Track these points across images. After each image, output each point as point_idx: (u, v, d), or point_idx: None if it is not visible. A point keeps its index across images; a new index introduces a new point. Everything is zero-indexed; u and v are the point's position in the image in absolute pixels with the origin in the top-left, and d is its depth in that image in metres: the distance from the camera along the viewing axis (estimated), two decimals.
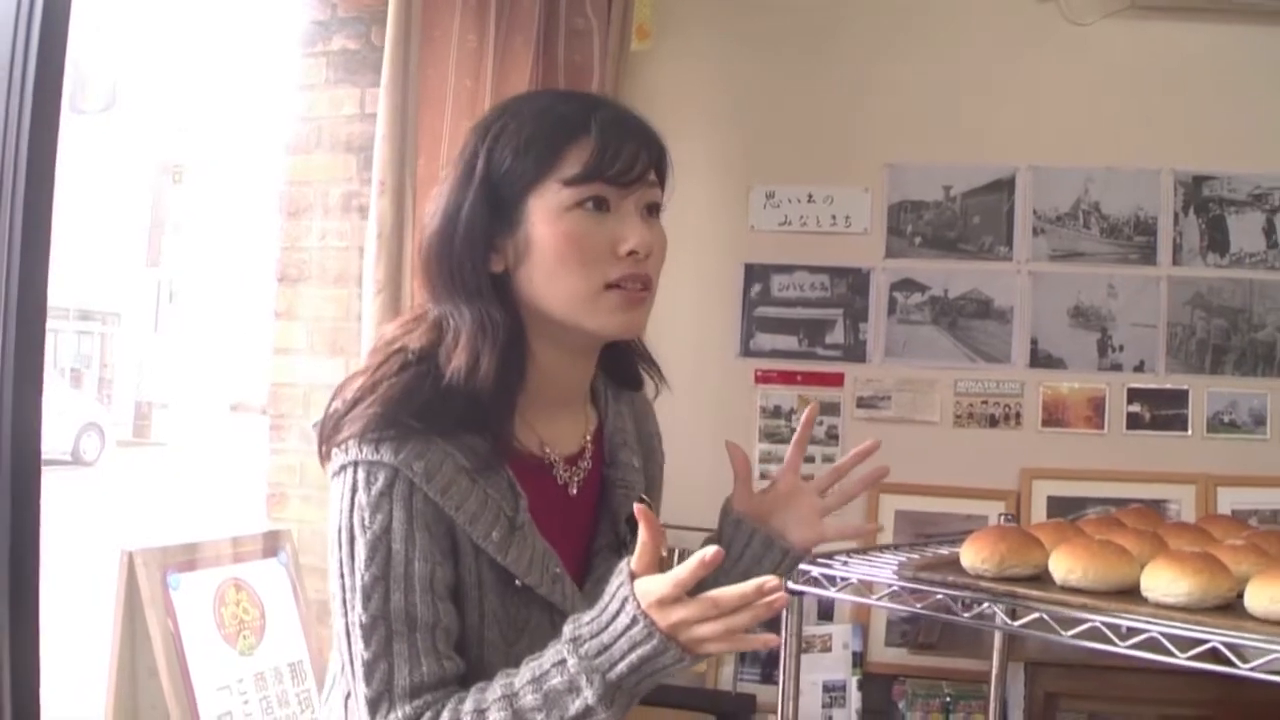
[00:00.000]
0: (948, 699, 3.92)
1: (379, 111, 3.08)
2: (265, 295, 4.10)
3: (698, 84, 4.40)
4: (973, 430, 4.24)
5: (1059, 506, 4.00)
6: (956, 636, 3.85)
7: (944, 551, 2.28)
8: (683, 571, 1.42)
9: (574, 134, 1.61)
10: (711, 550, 1.42)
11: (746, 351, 4.36)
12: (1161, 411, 4.19)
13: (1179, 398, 4.18)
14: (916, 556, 2.28)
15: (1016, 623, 1.97)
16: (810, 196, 4.33)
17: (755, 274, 4.36)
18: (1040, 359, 4.23)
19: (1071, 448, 4.19)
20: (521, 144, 1.62)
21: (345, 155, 3.88)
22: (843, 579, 2.17)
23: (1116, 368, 4.21)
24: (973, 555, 2.08)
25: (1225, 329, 4.18)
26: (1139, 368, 4.20)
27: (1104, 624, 1.85)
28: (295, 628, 3.52)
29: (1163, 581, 1.88)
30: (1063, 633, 1.88)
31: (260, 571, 3.49)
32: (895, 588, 2.08)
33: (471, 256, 1.63)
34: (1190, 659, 1.77)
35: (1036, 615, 1.92)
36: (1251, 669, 1.73)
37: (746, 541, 1.83)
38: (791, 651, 2.39)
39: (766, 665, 4.01)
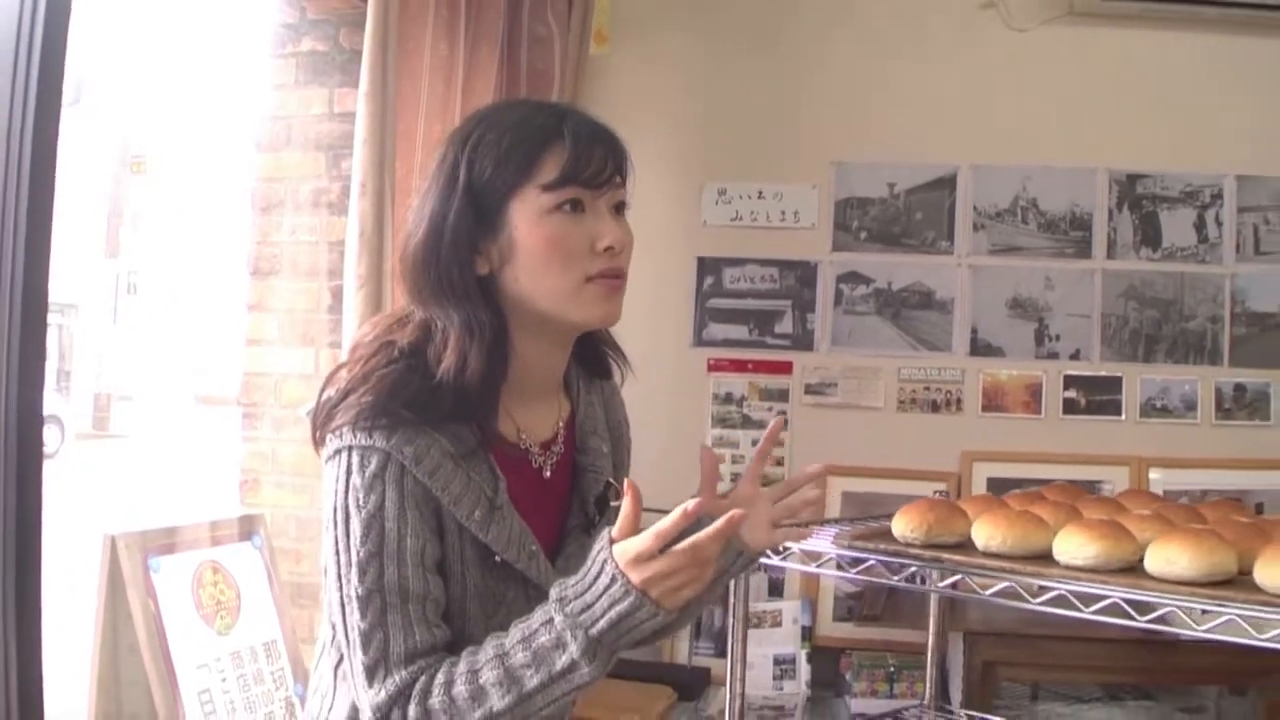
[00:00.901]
0: (892, 669, 4.01)
1: (358, 117, 3.13)
2: (235, 287, 4.12)
3: (654, 86, 4.48)
4: (915, 415, 4.35)
5: (998, 488, 4.03)
6: (900, 609, 3.96)
7: (876, 524, 2.42)
8: (665, 523, 1.53)
9: (549, 142, 1.71)
10: (694, 502, 1.54)
11: (699, 341, 4.44)
12: (1096, 397, 4.32)
13: (1113, 384, 4.32)
14: (852, 529, 2.43)
15: (941, 584, 2.13)
16: (760, 193, 4.43)
17: (708, 267, 4.45)
18: (980, 348, 4.35)
19: (1010, 431, 4.31)
20: (501, 153, 1.71)
21: (315, 153, 3.91)
22: (786, 549, 2.31)
23: (1053, 356, 4.33)
24: (903, 525, 2.24)
25: (1157, 319, 4.31)
26: (1075, 356, 4.32)
27: (1018, 583, 2.02)
28: (269, 609, 3.54)
29: (1073, 546, 2.05)
30: (981, 591, 2.04)
31: (236, 554, 3.51)
32: (832, 555, 2.23)
33: (459, 261, 1.72)
34: (1094, 613, 1.94)
35: (959, 577, 2.09)
36: (1148, 621, 1.90)
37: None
38: (739, 626, 2.52)
39: (720, 640, 4.06)
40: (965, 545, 2.20)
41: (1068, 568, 2.04)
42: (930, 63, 4.41)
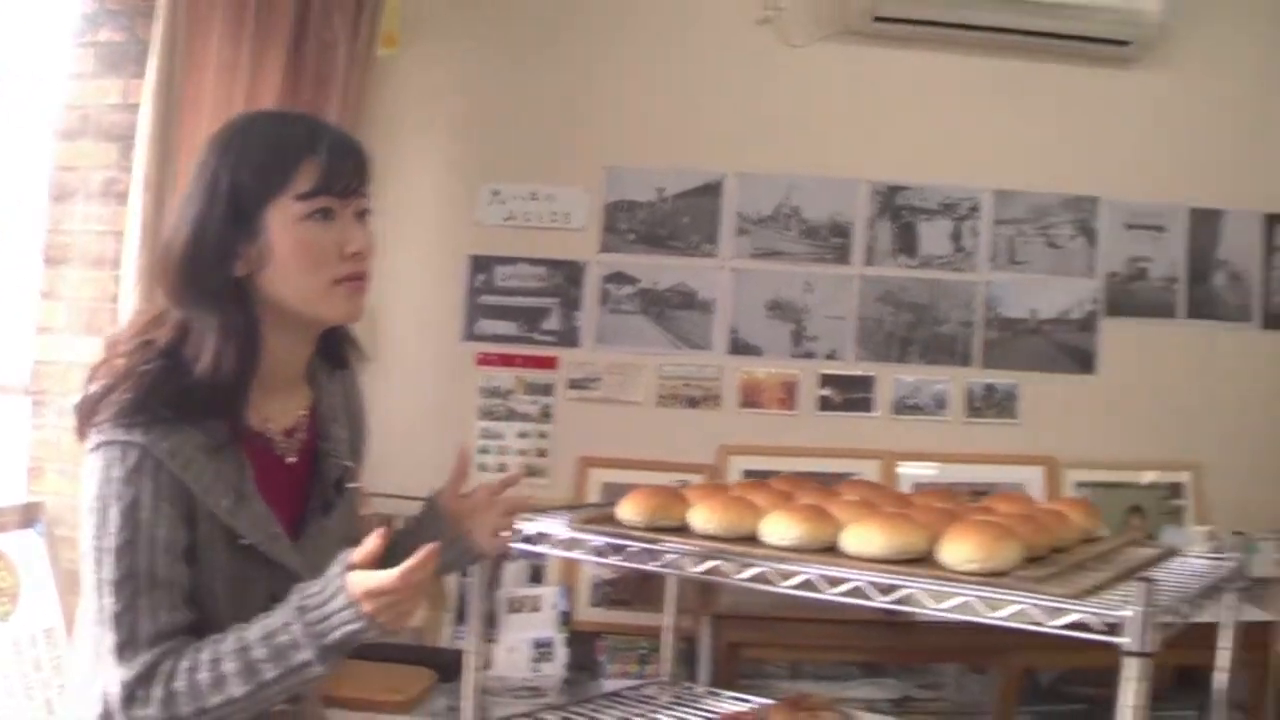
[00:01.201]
0: (643, 652, 4.16)
1: (142, 114, 3.19)
2: (27, 275, 4.08)
3: (437, 88, 4.58)
4: (675, 410, 4.52)
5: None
6: (651, 594, 4.03)
7: (607, 509, 2.54)
8: (410, 564, 1.71)
9: (304, 155, 1.85)
10: (431, 547, 1.73)
11: (470, 336, 4.51)
12: (851, 395, 4.55)
13: (867, 383, 4.55)
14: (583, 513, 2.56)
15: (654, 564, 2.29)
16: (534, 194, 4.54)
17: (480, 265, 4.53)
18: (739, 347, 4.53)
19: (766, 426, 4.51)
20: (260, 164, 1.85)
21: (108, 144, 3.89)
22: (518, 531, 2.43)
23: (809, 355, 4.54)
24: (628, 510, 2.38)
25: (912, 323, 4.56)
26: (831, 355, 4.54)
27: (723, 563, 2.20)
28: (50, 596, 3.54)
29: (780, 528, 2.22)
30: (691, 569, 2.22)
31: (17, 542, 3.51)
32: (562, 537, 2.38)
33: (218, 265, 1.84)
34: (792, 588, 2.12)
35: (674, 556, 2.26)
36: (839, 594, 2.09)
37: (439, 533, 2.06)
38: (482, 605, 2.66)
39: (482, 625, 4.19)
40: (684, 529, 2.34)
41: (774, 548, 2.22)
42: (705, 73, 4.58)
